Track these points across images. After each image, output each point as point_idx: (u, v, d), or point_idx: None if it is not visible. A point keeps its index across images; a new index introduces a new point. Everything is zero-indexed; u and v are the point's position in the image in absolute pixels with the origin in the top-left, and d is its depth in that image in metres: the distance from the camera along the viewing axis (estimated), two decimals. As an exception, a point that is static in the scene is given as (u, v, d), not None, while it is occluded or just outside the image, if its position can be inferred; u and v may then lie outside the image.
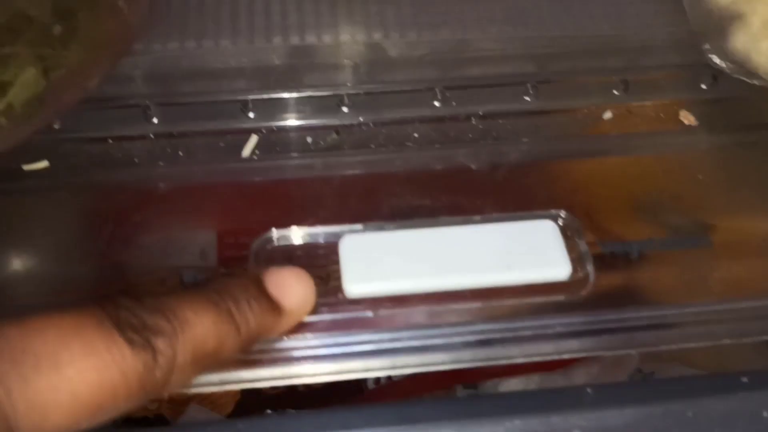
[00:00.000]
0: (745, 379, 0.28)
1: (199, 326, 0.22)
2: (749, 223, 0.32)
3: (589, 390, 0.28)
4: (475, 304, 0.29)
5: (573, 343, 0.29)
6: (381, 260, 0.30)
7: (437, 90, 0.37)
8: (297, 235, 0.31)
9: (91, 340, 0.20)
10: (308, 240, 0.31)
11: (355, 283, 0.29)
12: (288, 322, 0.27)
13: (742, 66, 0.35)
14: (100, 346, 0.20)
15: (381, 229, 0.32)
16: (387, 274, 0.29)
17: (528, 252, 0.30)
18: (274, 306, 0.25)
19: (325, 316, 0.29)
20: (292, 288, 0.26)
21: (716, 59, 0.36)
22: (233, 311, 0.23)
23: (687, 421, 0.27)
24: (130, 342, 0.20)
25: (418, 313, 0.29)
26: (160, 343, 0.21)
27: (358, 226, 0.32)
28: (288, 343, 0.28)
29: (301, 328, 0.28)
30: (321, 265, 0.30)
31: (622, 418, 0.27)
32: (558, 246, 0.30)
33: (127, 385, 0.20)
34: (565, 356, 0.28)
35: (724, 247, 0.31)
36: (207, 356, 0.23)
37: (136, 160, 0.35)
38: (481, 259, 0.29)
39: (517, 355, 0.28)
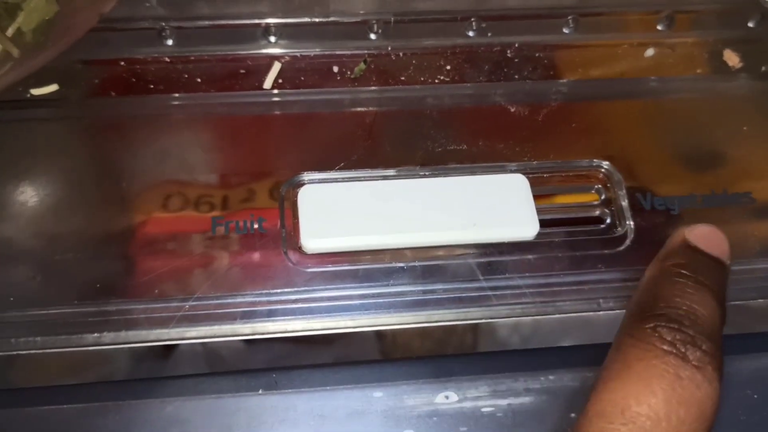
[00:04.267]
0: (777, 339, 0.28)
1: (705, 312, 0.22)
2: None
3: (624, 347, 0.28)
4: (512, 257, 0.29)
5: (609, 300, 0.28)
6: (339, 214, 0.29)
7: (473, 19, 0.35)
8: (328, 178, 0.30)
9: (681, 393, 0.19)
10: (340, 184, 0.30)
11: (312, 238, 0.28)
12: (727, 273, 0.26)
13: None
14: (687, 386, 0.19)
15: (414, 174, 0.30)
16: (345, 229, 0.28)
17: (495, 208, 0.29)
18: (721, 264, 0.25)
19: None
20: (724, 242, 0.26)
21: (770, -2, 0.34)
22: (707, 285, 0.23)
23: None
24: (700, 367, 0.20)
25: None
26: (710, 346, 0.20)
27: (391, 172, 0.30)
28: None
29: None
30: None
31: (656, 375, 0.28)
32: (527, 202, 0.29)
33: (714, 405, 0.20)
34: (601, 313, 0.28)
35: (766, 204, 0.31)
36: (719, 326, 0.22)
37: (150, 86, 0.33)
38: (446, 215, 0.29)
39: (552, 311, 0.28)
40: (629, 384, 0.20)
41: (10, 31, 0.27)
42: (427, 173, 0.30)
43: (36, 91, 0.32)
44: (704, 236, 0.25)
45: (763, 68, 0.35)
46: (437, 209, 0.29)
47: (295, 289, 0.28)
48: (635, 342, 0.21)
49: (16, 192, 0.30)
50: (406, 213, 0.29)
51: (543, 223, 0.29)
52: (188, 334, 0.27)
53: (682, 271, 0.23)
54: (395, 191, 0.29)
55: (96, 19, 0.29)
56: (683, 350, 0.20)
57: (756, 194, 0.31)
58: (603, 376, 0.21)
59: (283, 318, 0.27)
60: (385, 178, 0.30)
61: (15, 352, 0.27)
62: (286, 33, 0.34)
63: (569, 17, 0.35)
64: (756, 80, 0.35)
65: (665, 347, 0.20)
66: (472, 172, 0.30)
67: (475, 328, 0.28)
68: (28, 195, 0.30)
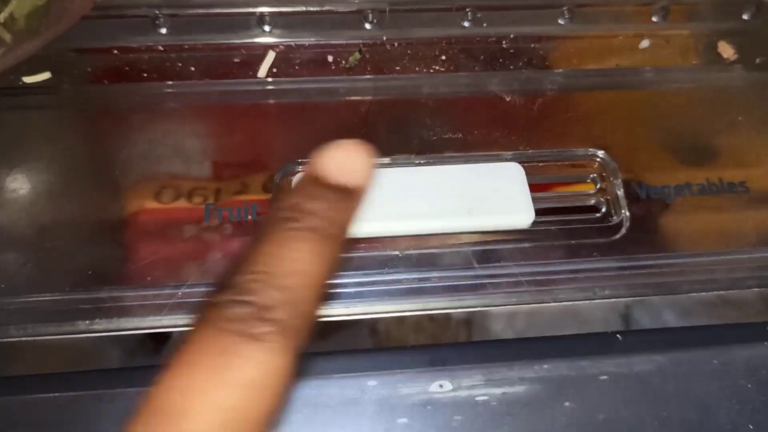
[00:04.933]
0: (771, 329, 0.28)
1: (305, 268, 0.19)
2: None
3: (618, 336, 0.28)
4: (507, 246, 0.29)
5: (605, 288, 0.28)
6: None
7: (468, 10, 0.35)
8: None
9: (232, 370, 0.18)
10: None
11: None
12: (362, 198, 0.24)
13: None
14: (245, 369, 0.18)
15: (410, 163, 0.30)
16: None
17: (491, 196, 0.29)
18: (348, 192, 0.23)
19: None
20: (351, 165, 0.23)
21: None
22: (316, 224, 0.20)
23: (713, 368, 0.28)
24: (263, 339, 0.18)
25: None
26: (283, 314, 0.19)
27: (386, 160, 0.30)
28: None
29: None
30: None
31: (650, 364, 0.28)
32: (522, 190, 0.29)
33: (283, 376, 0.18)
34: (596, 301, 0.28)
35: (761, 193, 0.31)
36: (323, 281, 0.21)
37: (144, 74, 0.33)
38: (441, 203, 0.29)
39: (547, 299, 0.28)
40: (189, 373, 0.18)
41: (2, 17, 0.27)
42: (422, 162, 0.30)
43: (28, 79, 0.32)
44: (331, 162, 0.21)
45: (758, 60, 0.35)
46: (432, 197, 0.28)
47: (289, 277, 0.27)
48: (201, 320, 0.19)
49: (8, 179, 0.29)
50: (401, 201, 0.28)
51: (538, 212, 0.29)
52: (181, 322, 0.27)
53: (288, 218, 0.20)
54: (390, 180, 0.29)
55: (90, 6, 0.29)
56: (245, 325, 0.18)
57: (750, 184, 0.31)
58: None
59: (276, 306, 0.27)
60: (381, 166, 0.30)
61: (6, 339, 0.26)
62: (280, 22, 0.34)
63: (564, 8, 0.35)
64: (750, 72, 0.35)
65: (227, 326, 0.18)
66: (468, 161, 0.30)
67: (469, 316, 0.28)
68: (20, 182, 0.29)
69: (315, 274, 0.20)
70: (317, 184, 0.22)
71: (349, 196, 0.22)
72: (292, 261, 0.19)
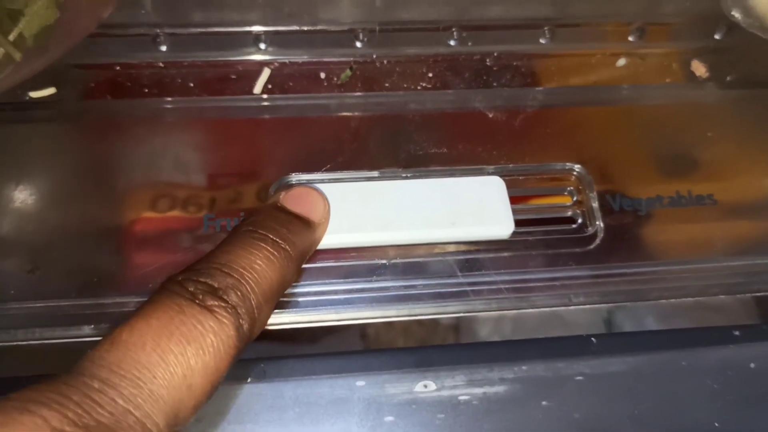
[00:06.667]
0: (737, 333, 0.30)
1: (258, 267, 0.23)
2: (754, 182, 0.33)
3: (593, 339, 0.30)
4: (489, 255, 0.30)
5: (580, 295, 0.30)
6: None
7: (454, 29, 0.37)
8: (315, 179, 0.32)
9: (184, 329, 0.20)
10: (326, 185, 0.32)
11: None
12: (321, 234, 0.28)
13: (759, 20, 0.35)
14: (194, 331, 0.20)
15: (396, 176, 0.32)
16: (330, 227, 0.29)
17: (473, 208, 0.30)
18: (306, 222, 0.27)
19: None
20: (314, 202, 0.28)
21: (735, 13, 0.36)
22: (278, 241, 0.24)
23: (682, 369, 0.29)
24: (214, 311, 0.21)
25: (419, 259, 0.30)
26: (236, 298, 0.21)
27: (375, 173, 0.32)
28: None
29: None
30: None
31: (623, 365, 0.29)
32: (504, 203, 0.30)
33: (228, 351, 0.21)
34: (572, 308, 0.30)
35: (728, 205, 0.32)
36: (276, 291, 0.23)
37: (145, 90, 0.35)
38: (425, 215, 0.30)
39: (526, 306, 0.30)
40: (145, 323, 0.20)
41: (12, 36, 0.28)
42: (409, 175, 0.32)
43: (34, 94, 0.34)
44: (295, 197, 0.27)
45: (729, 78, 0.37)
46: (418, 209, 0.30)
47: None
48: (161, 289, 0.21)
49: (15, 190, 0.31)
50: (388, 213, 0.30)
51: (518, 223, 0.30)
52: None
53: (249, 228, 0.24)
54: (378, 192, 0.31)
55: (95, 25, 0.31)
56: (200, 297, 0.21)
57: (718, 196, 0.33)
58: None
59: (271, 311, 0.28)
60: (369, 179, 0.32)
61: (14, 343, 0.28)
62: (275, 40, 0.36)
63: (546, 28, 0.37)
64: (721, 89, 0.37)
65: (182, 292, 0.21)
66: (452, 174, 0.32)
67: (453, 321, 0.29)
68: (27, 193, 0.31)
69: (267, 277, 0.23)
70: (277, 208, 0.26)
71: (305, 226, 0.26)
72: (247, 260, 0.23)
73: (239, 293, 0.22)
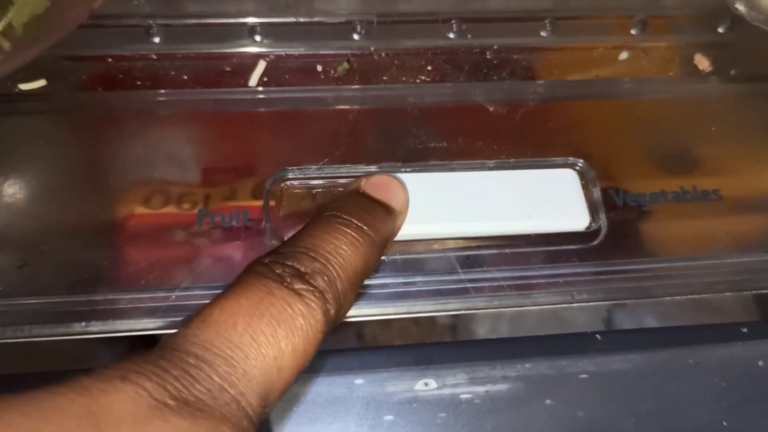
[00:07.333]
0: (744, 330, 0.30)
1: (344, 252, 0.22)
2: (760, 177, 0.33)
3: (597, 336, 0.29)
4: (490, 251, 0.30)
5: (583, 292, 0.29)
6: None
7: (453, 21, 0.36)
8: (312, 173, 0.31)
9: (274, 311, 0.20)
10: (323, 179, 0.31)
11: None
12: (401, 222, 0.28)
13: (763, 13, 0.35)
14: (284, 313, 0.20)
15: (395, 170, 0.31)
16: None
17: (547, 201, 0.30)
18: (388, 209, 0.26)
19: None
20: (395, 190, 0.27)
21: (739, 6, 0.35)
22: (362, 226, 0.24)
23: (689, 367, 0.29)
24: (302, 294, 0.20)
25: (431, 257, 0.29)
26: (323, 283, 0.21)
27: (373, 168, 0.31)
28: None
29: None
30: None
31: (629, 363, 0.29)
32: (578, 196, 0.30)
33: (316, 336, 0.20)
34: (575, 305, 0.29)
35: (734, 201, 0.32)
36: (360, 277, 0.23)
37: (138, 82, 0.34)
38: (501, 207, 0.29)
39: (528, 303, 0.29)
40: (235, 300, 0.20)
41: (1, 25, 0.27)
42: (407, 169, 0.31)
43: (24, 86, 0.33)
44: (376, 184, 0.27)
45: (732, 72, 0.37)
46: (493, 201, 0.30)
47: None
48: (248, 271, 0.21)
49: (5, 184, 0.30)
50: (463, 204, 0.30)
51: (520, 219, 0.30)
52: (175, 324, 0.27)
53: (333, 213, 0.24)
54: (452, 183, 0.30)
55: (86, 15, 0.30)
56: (287, 280, 0.21)
57: (724, 191, 0.32)
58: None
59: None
60: (368, 173, 0.31)
61: (2, 341, 0.27)
62: (271, 32, 0.35)
63: (547, 20, 0.36)
64: (725, 83, 0.36)
65: (270, 275, 0.21)
66: (451, 169, 0.31)
67: (454, 318, 0.29)
68: (17, 187, 0.30)
69: (351, 263, 0.22)
70: (359, 194, 0.26)
71: (387, 213, 0.26)
72: (332, 244, 0.22)
73: (326, 278, 0.21)
